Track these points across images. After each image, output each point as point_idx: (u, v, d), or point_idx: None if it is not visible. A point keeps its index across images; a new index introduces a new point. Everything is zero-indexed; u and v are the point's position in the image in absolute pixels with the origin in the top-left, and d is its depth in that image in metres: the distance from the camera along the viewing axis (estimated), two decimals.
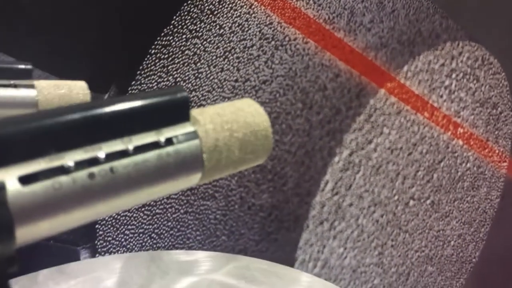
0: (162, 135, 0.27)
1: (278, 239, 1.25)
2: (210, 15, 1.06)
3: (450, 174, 1.53)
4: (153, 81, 1.02)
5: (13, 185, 0.21)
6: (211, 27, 1.07)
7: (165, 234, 1.09)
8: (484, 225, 1.65)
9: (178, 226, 1.11)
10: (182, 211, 1.11)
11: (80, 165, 0.23)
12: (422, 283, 1.53)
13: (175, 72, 1.05)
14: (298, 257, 1.29)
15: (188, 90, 1.05)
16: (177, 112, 0.28)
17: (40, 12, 0.88)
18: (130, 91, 0.98)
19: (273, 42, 1.15)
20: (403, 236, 1.46)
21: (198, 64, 1.07)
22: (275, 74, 1.17)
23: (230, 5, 1.09)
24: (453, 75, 1.48)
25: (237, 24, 1.10)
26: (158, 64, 1.02)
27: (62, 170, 0.23)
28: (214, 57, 1.09)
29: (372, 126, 1.35)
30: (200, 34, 1.06)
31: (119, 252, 1.04)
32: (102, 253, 1.01)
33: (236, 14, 1.09)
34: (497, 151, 1.64)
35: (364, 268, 1.40)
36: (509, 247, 1.67)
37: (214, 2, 1.07)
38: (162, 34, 1.01)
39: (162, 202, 1.07)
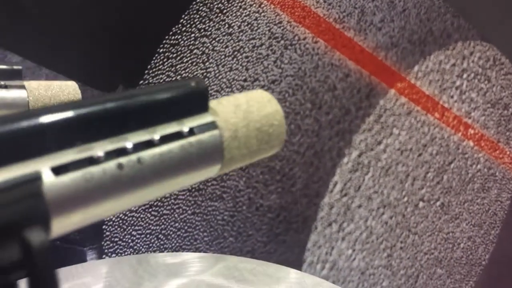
0: (184, 126, 0.27)
1: (286, 241, 1.24)
2: (219, 14, 1.05)
3: (460, 176, 1.52)
4: (161, 80, 1.01)
5: (46, 176, 0.22)
6: (220, 26, 1.06)
7: (173, 235, 1.09)
8: (494, 228, 1.64)
9: (186, 227, 1.10)
10: (189, 212, 1.10)
11: (109, 155, 0.24)
12: (431, 285, 1.52)
13: (183, 71, 1.04)
14: (306, 259, 1.28)
15: None
16: (197, 102, 0.28)
17: (48, 10, 0.87)
18: None
19: (282, 41, 1.14)
20: (412, 238, 1.45)
21: (207, 63, 1.06)
22: (284, 74, 1.16)
23: (239, 4, 1.07)
24: (464, 75, 1.47)
25: (246, 23, 1.09)
26: (166, 63, 1.01)
27: (92, 161, 0.23)
28: (223, 56, 1.07)
29: (381, 126, 1.34)
30: (209, 33, 1.05)
31: (126, 253, 1.03)
32: (109, 254, 1.00)
33: (245, 13, 1.08)
34: (508, 153, 1.62)
35: (372, 270, 1.39)
36: None
37: (223, 1, 1.06)
38: (171, 33, 1.00)
39: (170, 202, 1.07)
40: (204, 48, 1.05)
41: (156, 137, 0.25)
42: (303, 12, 1.16)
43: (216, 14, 1.05)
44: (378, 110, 1.32)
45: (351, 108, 1.28)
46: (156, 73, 1.00)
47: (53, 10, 0.88)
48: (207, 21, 1.04)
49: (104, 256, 0.99)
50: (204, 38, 1.04)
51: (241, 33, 1.09)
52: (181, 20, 1.01)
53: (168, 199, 1.06)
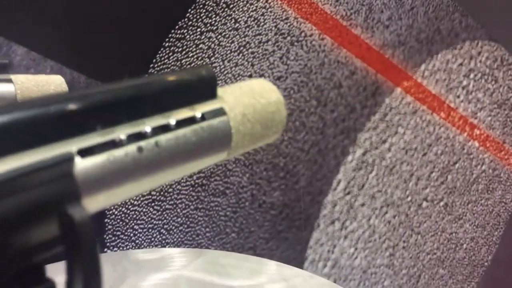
0: (196, 111, 0.28)
1: (289, 238, 1.24)
2: (226, 9, 1.05)
3: (465, 176, 1.51)
4: None
5: (75, 158, 0.23)
6: (226, 21, 1.05)
7: (175, 230, 1.08)
8: (497, 229, 1.63)
9: (188, 222, 1.10)
10: (192, 207, 1.10)
11: (130, 139, 0.25)
12: (433, 285, 1.51)
13: (188, 66, 1.03)
14: (308, 257, 1.28)
15: None
16: (206, 89, 0.30)
17: (53, 2, 0.87)
18: None
19: (288, 38, 1.14)
20: (415, 238, 1.44)
21: (212, 58, 1.06)
22: (290, 70, 1.16)
23: None
24: (471, 75, 1.46)
25: (252, 19, 1.08)
26: (172, 57, 1.01)
27: (115, 144, 0.24)
28: (229, 51, 1.07)
29: (387, 125, 1.33)
30: (215, 28, 1.04)
31: (128, 247, 1.03)
32: (111, 248, 1.00)
33: (252, 8, 1.08)
34: None
35: (374, 269, 1.39)
36: None
37: None
38: (177, 27, 0.99)
39: (172, 197, 1.06)
40: (210, 43, 1.04)
41: (172, 122, 0.27)
42: (310, 9, 1.15)
43: (222, 9, 1.04)
44: (383, 108, 1.31)
45: (356, 106, 1.27)
46: (161, 67, 1.00)
47: (59, 2, 0.88)
48: (214, 16, 1.04)
49: (106, 250, 0.99)
50: (210, 32, 1.04)
51: (247, 29, 1.08)
52: (187, 14, 1.00)
53: (171, 194, 1.06)
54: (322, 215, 1.28)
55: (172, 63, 1.01)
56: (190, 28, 1.01)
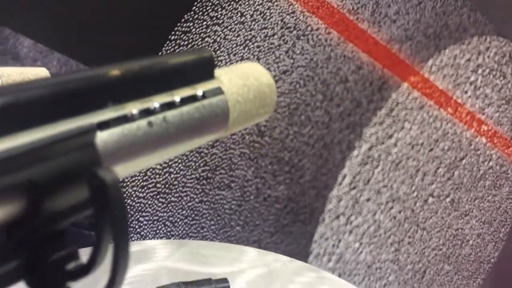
0: (197, 90, 0.30)
1: (293, 232, 1.24)
2: (232, 2, 1.05)
3: (472, 172, 1.50)
4: None
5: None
6: (232, 14, 1.05)
7: (180, 223, 1.09)
8: (504, 225, 1.62)
9: (193, 215, 1.11)
10: (197, 200, 1.11)
11: (141, 114, 0.27)
12: (438, 281, 1.51)
13: None
14: (313, 251, 1.28)
15: None
16: (206, 70, 0.32)
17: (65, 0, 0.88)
18: None
19: (294, 32, 1.13)
20: (421, 234, 1.44)
21: (218, 51, 1.06)
22: (296, 64, 1.15)
23: None
24: (479, 71, 1.45)
25: (258, 12, 1.08)
26: (177, 50, 1.01)
27: (127, 119, 0.26)
28: (234, 45, 1.07)
29: (393, 120, 1.33)
30: (221, 21, 1.04)
31: (133, 239, 1.04)
32: None
33: (258, 2, 1.08)
34: None
35: (379, 264, 1.39)
36: None
37: None
38: (183, 20, 1.00)
39: (177, 190, 1.07)
40: (216, 36, 1.04)
41: (177, 99, 0.29)
42: (317, 3, 1.15)
43: (228, 3, 1.04)
44: (390, 103, 1.31)
45: (362, 100, 1.27)
46: None
47: None
48: (220, 9, 1.04)
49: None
50: (216, 26, 1.04)
51: (253, 22, 1.08)
52: (193, 8, 1.00)
53: (176, 186, 1.07)
54: (327, 209, 1.28)
55: None
56: (196, 21, 1.02)
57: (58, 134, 0.23)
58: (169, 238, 1.08)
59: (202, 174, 1.10)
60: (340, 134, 1.25)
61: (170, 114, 0.28)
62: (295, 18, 1.13)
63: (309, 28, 1.15)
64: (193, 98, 0.30)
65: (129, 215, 1.02)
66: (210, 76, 0.32)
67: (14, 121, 0.22)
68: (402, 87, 1.32)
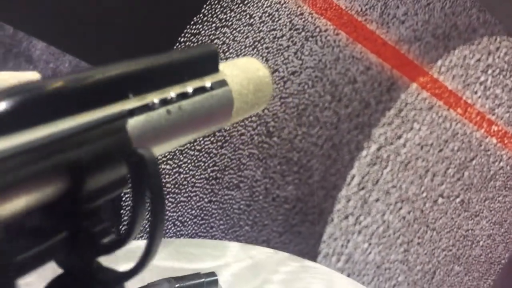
0: (206, 82, 0.33)
1: (302, 232, 1.25)
2: (240, 4, 1.06)
3: (482, 173, 1.50)
4: None
5: None
6: (241, 16, 1.06)
7: (189, 222, 1.10)
8: None
9: (202, 215, 1.12)
10: (206, 200, 1.12)
11: (161, 103, 0.30)
12: (448, 282, 1.51)
13: None
14: (322, 251, 1.29)
15: None
16: (212, 63, 0.35)
17: (76, 4, 0.89)
18: None
19: (303, 33, 1.14)
20: (430, 234, 1.44)
21: (227, 53, 1.07)
22: (304, 66, 1.16)
23: None
24: (489, 71, 1.44)
25: (267, 14, 1.09)
26: None
27: (149, 108, 0.29)
28: (243, 46, 1.08)
29: (402, 121, 1.33)
30: (230, 23, 1.06)
31: (143, 238, 1.05)
32: None
33: (267, 3, 1.09)
34: None
35: (388, 265, 1.39)
36: None
37: None
38: (192, 22, 1.01)
39: (187, 190, 1.08)
40: (225, 38, 1.05)
41: (190, 90, 0.32)
42: (325, 4, 1.16)
43: (237, 5, 1.05)
44: (399, 104, 1.31)
45: (371, 101, 1.27)
46: None
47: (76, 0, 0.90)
48: (228, 12, 1.05)
49: None
50: (225, 28, 1.05)
51: (262, 24, 1.09)
52: (203, 10, 1.02)
53: (186, 186, 1.08)
54: (336, 209, 1.28)
55: None
56: (205, 23, 1.03)
57: (96, 119, 0.26)
58: (179, 237, 1.09)
59: (211, 174, 1.11)
60: (348, 135, 1.26)
61: (185, 103, 0.31)
62: (303, 19, 1.14)
63: (317, 30, 1.16)
64: (203, 89, 0.33)
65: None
66: (215, 69, 0.35)
67: (54, 109, 0.25)
68: (411, 88, 1.32)
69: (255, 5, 1.07)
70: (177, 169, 1.05)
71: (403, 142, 1.34)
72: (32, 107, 0.24)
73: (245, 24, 1.07)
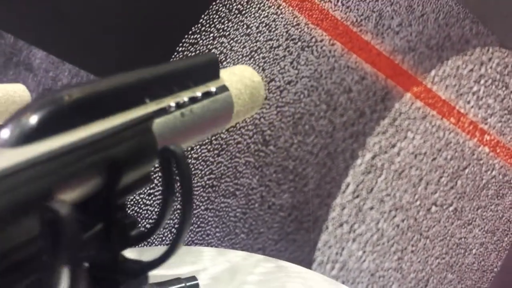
0: (210, 87, 0.36)
1: (297, 240, 1.26)
2: (238, 15, 1.07)
3: (475, 182, 1.51)
4: None
5: None
6: (238, 26, 1.08)
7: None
8: (507, 235, 1.63)
9: (198, 222, 1.13)
10: (202, 207, 1.13)
11: (176, 107, 0.32)
12: None
13: None
14: (316, 258, 1.29)
15: None
16: (214, 71, 0.38)
17: (71, 8, 0.90)
18: None
19: (299, 43, 1.16)
20: (424, 242, 1.45)
21: (224, 63, 1.08)
22: (300, 75, 1.17)
23: (258, 5, 1.09)
24: (482, 81, 1.46)
25: (264, 24, 1.11)
26: None
27: (165, 111, 0.32)
28: (240, 56, 1.09)
29: (396, 130, 1.34)
30: (228, 33, 1.07)
31: (140, 245, 1.05)
32: None
33: (264, 14, 1.10)
34: None
35: (382, 273, 1.40)
36: None
37: (242, 2, 1.07)
38: (190, 32, 1.02)
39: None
40: (222, 48, 1.07)
41: (199, 94, 0.35)
42: (321, 15, 1.17)
43: (235, 15, 1.07)
44: (393, 113, 1.33)
45: (366, 110, 1.28)
46: None
47: (76, 7, 0.91)
48: (226, 22, 1.06)
49: None
50: (223, 38, 1.06)
51: (259, 34, 1.10)
52: (201, 20, 1.03)
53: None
54: (331, 217, 1.29)
55: None
56: (203, 33, 1.04)
57: (127, 121, 0.28)
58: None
59: (207, 182, 1.11)
60: (343, 143, 1.27)
61: (195, 106, 0.34)
62: (299, 30, 1.15)
63: (313, 40, 1.17)
64: (209, 94, 0.36)
65: (138, 221, 1.04)
66: (217, 75, 0.38)
67: (87, 113, 0.27)
68: (405, 97, 1.34)
69: (252, 16, 1.09)
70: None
71: (397, 151, 1.36)
72: (71, 112, 0.26)
73: (242, 34, 1.08)
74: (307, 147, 1.22)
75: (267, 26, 1.11)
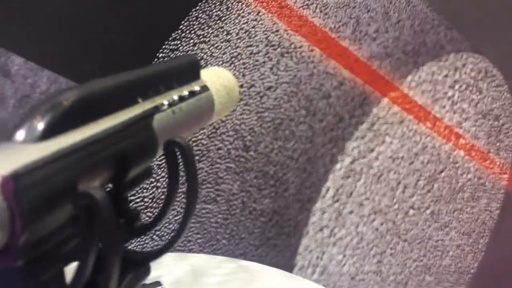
0: (194, 87, 0.39)
1: (278, 245, 1.26)
2: (218, 21, 1.07)
3: (451, 185, 1.53)
4: None
5: None
6: (218, 32, 1.08)
7: (166, 237, 1.10)
8: (483, 237, 1.65)
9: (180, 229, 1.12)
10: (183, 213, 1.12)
11: (168, 105, 0.34)
12: None
13: None
14: (297, 263, 1.30)
15: None
16: (196, 71, 0.40)
17: (50, 14, 0.89)
18: None
19: (279, 49, 1.16)
20: (402, 245, 1.47)
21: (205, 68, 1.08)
22: (280, 81, 1.18)
23: (238, 12, 1.10)
24: (456, 86, 1.49)
25: (244, 31, 1.11)
26: None
27: (158, 109, 0.33)
28: (221, 62, 1.10)
29: (374, 134, 1.36)
30: (208, 39, 1.07)
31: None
32: None
33: (244, 20, 1.11)
34: (498, 163, 1.64)
35: (362, 276, 1.41)
36: (508, 259, 1.67)
37: (222, 8, 1.08)
38: (170, 38, 1.02)
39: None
40: (203, 54, 1.07)
41: (186, 93, 0.37)
42: (300, 21, 1.18)
43: (215, 21, 1.07)
44: (371, 118, 1.34)
45: (344, 115, 1.30)
46: None
47: (55, 13, 0.90)
48: (206, 28, 1.06)
49: None
50: (203, 44, 1.06)
51: (239, 40, 1.11)
52: (181, 26, 1.03)
53: (163, 200, 1.08)
54: (311, 222, 1.30)
55: None
56: (184, 39, 1.04)
57: (130, 119, 0.30)
58: None
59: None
60: (323, 148, 1.28)
61: (184, 104, 0.36)
62: (279, 36, 1.16)
63: (292, 46, 1.18)
64: (193, 93, 0.38)
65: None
66: (198, 76, 0.41)
67: (93, 112, 0.29)
68: (382, 102, 1.36)
69: (232, 22, 1.09)
70: (154, 183, 1.06)
71: (375, 155, 1.37)
72: (77, 110, 0.28)
73: (222, 40, 1.09)
74: (287, 152, 1.23)
75: (247, 33, 1.11)
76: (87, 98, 0.28)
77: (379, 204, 1.40)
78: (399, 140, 1.40)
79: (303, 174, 1.26)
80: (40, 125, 0.25)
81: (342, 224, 1.35)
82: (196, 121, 0.39)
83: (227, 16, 1.09)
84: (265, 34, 1.14)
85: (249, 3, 1.09)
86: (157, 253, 0.32)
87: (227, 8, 1.09)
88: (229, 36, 1.10)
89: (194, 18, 1.05)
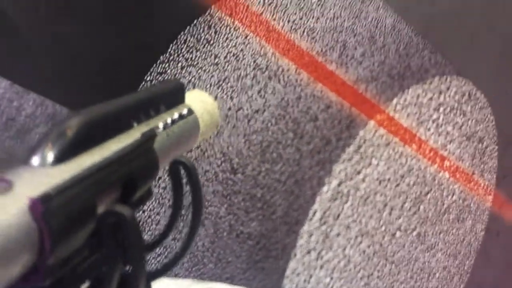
0: (182, 110, 0.41)
1: (265, 268, 1.25)
2: (206, 45, 1.08)
3: (436, 206, 1.54)
4: None
5: None
6: (206, 56, 1.08)
7: (152, 261, 1.09)
8: (469, 258, 1.66)
9: (166, 253, 1.11)
10: (170, 237, 1.11)
11: (163, 128, 0.36)
12: None
13: None
14: (285, 286, 1.29)
15: None
16: (181, 96, 0.42)
17: (37, 38, 0.89)
18: None
19: (266, 72, 1.17)
20: (389, 267, 1.46)
21: None
22: (267, 104, 1.19)
23: (226, 35, 1.10)
24: (441, 109, 1.51)
25: (232, 54, 1.12)
26: None
27: (154, 131, 0.34)
28: (209, 85, 1.10)
29: (361, 157, 1.36)
30: (196, 62, 1.07)
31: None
32: None
33: (232, 44, 1.11)
34: (482, 185, 1.66)
35: None
36: (494, 280, 1.68)
37: (210, 32, 1.09)
38: (158, 61, 1.02)
39: (151, 228, 1.07)
40: (191, 77, 1.07)
41: (176, 116, 0.39)
42: (287, 45, 1.19)
43: (203, 45, 1.08)
44: (357, 140, 1.35)
45: (331, 138, 1.30)
46: None
47: (42, 38, 0.90)
48: (194, 51, 1.07)
49: None
50: (191, 67, 1.07)
51: (226, 64, 1.11)
52: (169, 50, 1.03)
53: (149, 224, 1.07)
54: (299, 245, 1.29)
55: None
56: (172, 62, 1.04)
57: (138, 140, 0.32)
58: None
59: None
60: (310, 171, 1.28)
61: (175, 127, 0.38)
62: (267, 59, 1.17)
63: (280, 69, 1.19)
64: (182, 116, 0.40)
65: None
66: (183, 100, 0.43)
67: (98, 135, 0.30)
68: (369, 125, 1.37)
69: (220, 45, 1.10)
70: (141, 207, 1.04)
71: (362, 177, 1.38)
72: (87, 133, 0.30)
73: (210, 63, 1.09)
74: (274, 175, 1.22)
75: (235, 56, 1.12)
76: (90, 125, 0.30)
77: (366, 226, 1.40)
78: (385, 162, 1.41)
79: (290, 196, 1.26)
80: (53, 151, 0.27)
81: (329, 247, 1.35)
82: (186, 142, 0.41)
83: (215, 40, 1.10)
84: (253, 57, 1.15)
85: (237, 27, 1.10)
86: (157, 273, 0.33)
87: (215, 32, 1.10)
88: (217, 60, 1.10)
89: (182, 42, 1.05)
